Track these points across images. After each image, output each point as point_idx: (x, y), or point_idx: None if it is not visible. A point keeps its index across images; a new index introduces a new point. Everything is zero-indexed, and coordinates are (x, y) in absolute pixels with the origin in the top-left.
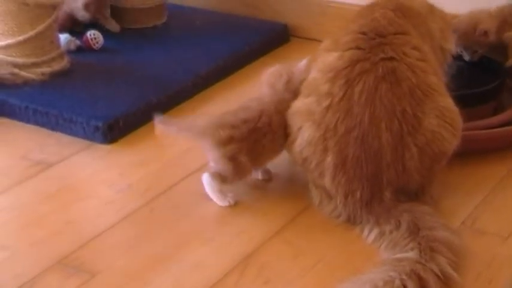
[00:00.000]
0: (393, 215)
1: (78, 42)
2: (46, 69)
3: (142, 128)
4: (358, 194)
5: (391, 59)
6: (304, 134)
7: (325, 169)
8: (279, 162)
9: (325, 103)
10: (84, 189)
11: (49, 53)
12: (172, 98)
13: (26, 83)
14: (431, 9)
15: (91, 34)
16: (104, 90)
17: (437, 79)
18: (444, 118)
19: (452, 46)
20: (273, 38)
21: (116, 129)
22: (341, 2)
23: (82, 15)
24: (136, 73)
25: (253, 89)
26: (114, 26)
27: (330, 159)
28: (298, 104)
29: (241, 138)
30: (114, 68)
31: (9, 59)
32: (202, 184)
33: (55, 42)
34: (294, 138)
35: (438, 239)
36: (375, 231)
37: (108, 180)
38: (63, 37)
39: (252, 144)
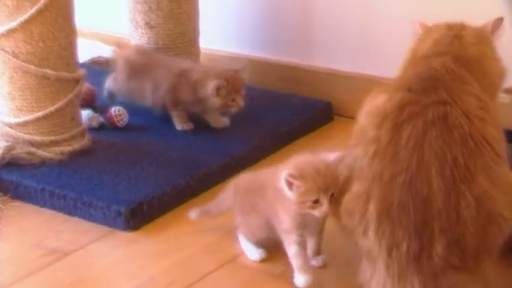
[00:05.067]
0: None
1: (101, 119)
2: (65, 148)
3: (169, 214)
4: (404, 247)
5: (444, 103)
6: (352, 187)
7: (369, 221)
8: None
9: (372, 149)
10: (101, 282)
11: (69, 131)
12: (202, 181)
13: (43, 163)
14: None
15: (115, 110)
16: (128, 171)
17: (497, 133)
18: (496, 183)
19: None
20: (315, 117)
21: (139, 214)
22: (392, 78)
23: (212, 102)
24: (163, 153)
25: None
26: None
27: (372, 208)
28: (348, 159)
29: None
30: (139, 148)
31: (26, 136)
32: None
33: (76, 118)
34: (343, 191)
35: None
36: None
37: (128, 273)
38: (85, 113)
39: None
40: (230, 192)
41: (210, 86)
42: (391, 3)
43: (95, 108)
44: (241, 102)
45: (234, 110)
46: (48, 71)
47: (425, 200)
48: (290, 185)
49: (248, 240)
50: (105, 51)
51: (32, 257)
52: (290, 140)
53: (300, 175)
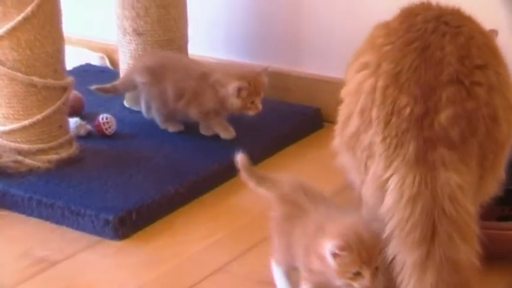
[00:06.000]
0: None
1: (89, 126)
2: (53, 157)
3: (158, 222)
4: (407, 110)
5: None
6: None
7: (374, 100)
8: None
9: (384, 31)
10: None
11: (57, 139)
12: (192, 188)
13: (31, 171)
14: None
15: (103, 118)
16: (116, 179)
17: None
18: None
19: None
20: (305, 124)
21: (128, 223)
22: None
23: (231, 102)
24: (151, 161)
25: None
26: (228, 132)
27: (380, 83)
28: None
29: None
30: (127, 155)
31: (13, 145)
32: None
33: (64, 126)
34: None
35: None
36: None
37: (117, 282)
38: (73, 121)
39: None
40: (271, 195)
41: (232, 87)
42: (381, 9)
43: (82, 116)
44: (259, 105)
45: (252, 113)
46: (35, 79)
47: (437, 64)
48: (335, 256)
49: (281, 268)
50: (93, 59)
51: (19, 266)
52: (280, 147)
53: (344, 246)
